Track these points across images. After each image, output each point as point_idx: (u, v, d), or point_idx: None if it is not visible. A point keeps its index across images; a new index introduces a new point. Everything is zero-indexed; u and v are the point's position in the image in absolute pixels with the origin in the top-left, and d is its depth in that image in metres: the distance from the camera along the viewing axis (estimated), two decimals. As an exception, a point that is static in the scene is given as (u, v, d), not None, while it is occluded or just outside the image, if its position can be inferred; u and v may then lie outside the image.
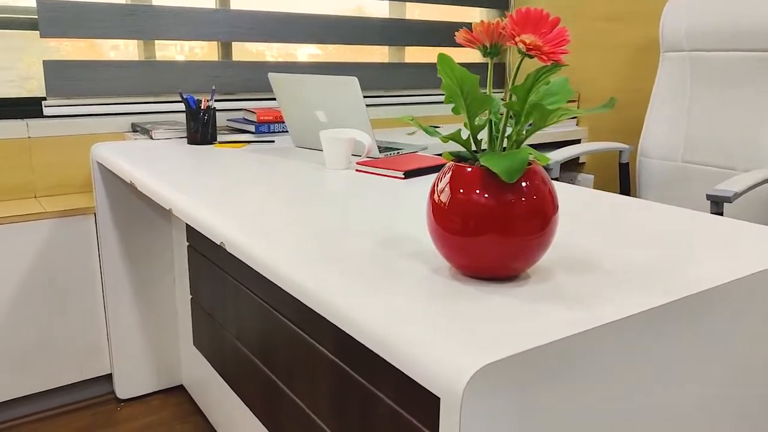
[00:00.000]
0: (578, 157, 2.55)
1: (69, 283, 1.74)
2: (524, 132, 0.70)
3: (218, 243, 0.94)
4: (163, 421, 1.77)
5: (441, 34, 2.62)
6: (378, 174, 1.34)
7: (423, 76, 2.62)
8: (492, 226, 0.66)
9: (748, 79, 1.83)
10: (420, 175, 1.33)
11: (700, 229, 0.95)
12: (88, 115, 1.92)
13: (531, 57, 0.66)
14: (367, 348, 0.74)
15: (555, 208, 0.69)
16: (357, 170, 1.38)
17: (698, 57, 1.94)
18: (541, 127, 0.69)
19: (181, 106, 2.05)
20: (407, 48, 2.61)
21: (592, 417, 0.63)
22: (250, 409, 1.40)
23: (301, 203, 1.07)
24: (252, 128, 1.94)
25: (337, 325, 0.67)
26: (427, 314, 0.62)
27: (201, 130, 1.72)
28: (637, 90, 2.39)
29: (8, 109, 1.85)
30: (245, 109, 2.03)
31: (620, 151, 2.16)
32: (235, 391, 1.47)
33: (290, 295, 1.13)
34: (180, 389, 1.94)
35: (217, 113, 2.09)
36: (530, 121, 0.69)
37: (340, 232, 0.90)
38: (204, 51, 2.20)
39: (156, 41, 2.06)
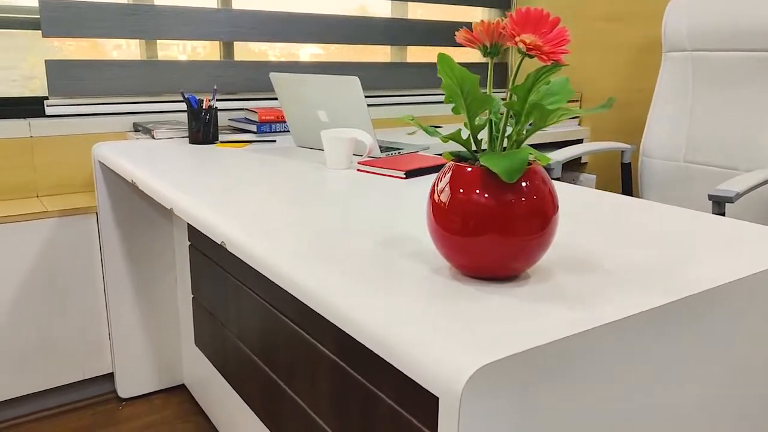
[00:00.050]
0: (580, 157, 2.55)
1: (70, 283, 1.74)
2: (524, 132, 0.70)
3: (219, 242, 0.94)
4: (164, 420, 1.77)
5: (443, 33, 2.62)
6: (379, 174, 1.34)
7: (425, 76, 2.62)
8: (492, 226, 0.66)
9: (750, 79, 1.83)
10: (421, 175, 1.33)
11: (701, 229, 0.95)
12: (90, 114, 1.93)
13: (531, 57, 0.66)
14: (368, 348, 0.74)
15: (555, 208, 0.69)
16: (358, 170, 1.38)
17: (700, 57, 1.93)
18: (541, 127, 0.69)
19: (183, 106, 2.05)
20: (409, 48, 2.61)
21: (592, 417, 0.63)
22: (251, 409, 1.40)
23: (302, 203, 1.07)
24: (254, 128, 1.94)
25: (337, 325, 0.67)
26: (427, 314, 0.62)
27: (203, 129, 1.72)
28: (639, 90, 2.39)
29: (10, 108, 1.85)
30: (247, 109, 2.04)
31: (622, 151, 2.16)
32: (236, 391, 1.47)
33: (291, 294, 1.13)
34: (181, 388, 1.94)
35: (219, 113, 2.09)
36: (530, 121, 0.69)
37: (341, 231, 0.90)
38: (207, 51, 2.20)
39: (159, 41, 2.06)
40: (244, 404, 1.46)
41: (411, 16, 2.58)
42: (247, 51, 2.27)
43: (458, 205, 0.67)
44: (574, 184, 1.91)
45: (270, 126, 1.94)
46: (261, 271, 0.83)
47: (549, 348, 0.57)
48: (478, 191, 0.67)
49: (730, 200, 1.47)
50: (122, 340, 1.82)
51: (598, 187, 2.56)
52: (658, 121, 2.04)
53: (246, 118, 2.03)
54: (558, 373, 0.58)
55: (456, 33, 0.71)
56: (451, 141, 0.71)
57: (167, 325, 1.88)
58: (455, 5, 2.65)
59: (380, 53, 2.59)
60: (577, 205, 1.08)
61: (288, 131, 1.99)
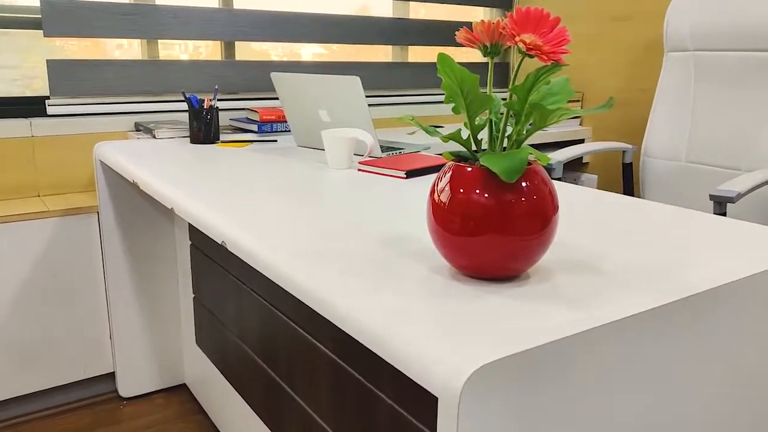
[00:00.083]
0: (582, 157, 2.55)
1: (72, 282, 1.74)
2: (524, 132, 0.70)
3: (219, 242, 0.94)
4: (165, 419, 1.77)
5: (444, 33, 2.61)
6: (380, 174, 1.34)
7: (426, 76, 2.61)
8: (492, 226, 0.66)
9: (751, 79, 1.83)
10: (422, 175, 1.33)
11: (701, 229, 0.94)
12: (92, 114, 1.93)
13: (531, 57, 0.66)
14: (367, 347, 0.74)
15: (555, 208, 0.69)
16: (359, 170, 1.38)
17: (702, 57, 1.93)
18: (541, 127, 0.69)
19: (184, 106, 2.05)
20: (410, 48, 2.61)
21: (591, 417, 0.62)
22: (252, 408, 1.40)
23: (303, 203, 1.07)
24: (255, 128, 1.94)
25: (336, 324, 0.67)
26: (426, 314, 0.62)
27: (204, 129, 1.72)
28: (641, 90, 2.39)
29: (12, 108, 1.86)
30: (248, 109, 2.04)
31: (623, 151, 2.16)
32: (236, 390, 1.48)
33: (291, 294, 1.13)
34: (182, 388, 1.94)
35: (220, 113, 2.10)
36: (530, 121, 0.69)
37: (341, 231, 0.90)
38: (208, 50, 2.20)
39: (160, 41, 2.06)
40: (245, 403, 1.46)
41: (413, 15, 2.58)
42: (249, 50, 2.27)
43: (458, 205, 0.67)
44: (576, 184, 1.90)
45: (271, 126, 1.94)
46: (261, 271, 0.83)
47: (548, 348, 0.57)
48: (478, 191, 0.67)
49: (732, 200, 1.47)
50: (123, 339, 1.82)
51: (599, 187, 2.55)
52: (659, 121, 2.04)
53: (247, 118, 2.03)
54: (557, 373, 0.58)
55: (456, 33, 0.71)
56: (451, 141, 0.71)
57: (168, 324, 1.88)
58: (457, 5, 2.65)
59: (382, 53, 2.59)
60: (578, 205, 1.08)
61: (289, 131, 1.99)
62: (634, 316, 0.63)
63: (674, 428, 0.72)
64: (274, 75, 1.62)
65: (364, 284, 0.70)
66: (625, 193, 2.17)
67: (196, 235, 1.64)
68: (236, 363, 1.45)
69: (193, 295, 1.72)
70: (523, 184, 0.67)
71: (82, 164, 1.90)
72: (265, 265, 0.81)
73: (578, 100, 2.59)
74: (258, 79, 2.21)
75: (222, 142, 1.74)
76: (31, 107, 1.88)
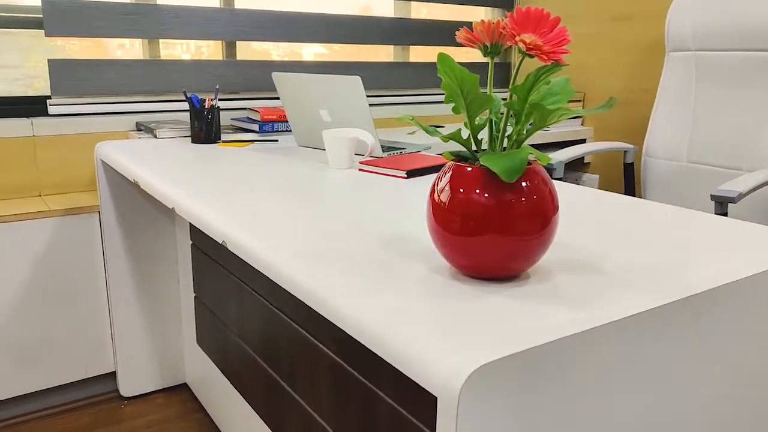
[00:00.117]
0: (583, 157, 2.54)
1: (73, 281, 1.75)
2: (524, 132, 0.70)
3: (220, 242, 0.94)
4: (166, 419, 1.77)
5: (446, 33, 2.61)
6: (381, 173, 1.34)
7: (427, 76, 2.61)
8: (492, 226, 0.66)
9: (753, 79, 1.82)
10: (422, 175, 1.33)
11: (702, 229, 0.94)
12: (93, 114, 1.93)
13: (531, 57, 0.66)
14: (368, 347, 0.74)
15: (555, 208, 0.69)
16: (360, 170, 1.38)
17: (704, 57, 1.93)
18: (542, 127, 0.69)
19: (186, 105, 2.05)
20: (412, 47, 2.61)
21: (591, 417, 0.62)
22: (252, 407, 1.40)
23: (304, 202, 1.07)
24: (256, 127, 1.94)
25: (336, 324, 0.67)
26: (426, 314, 0.62)
27: (205, 129, 1.72)
28: (643, 90, 2.38)
29: (13, 107, 1.86)
30: (249, 108, 2.04)
31: (625, 151, 2.15)
32: (237, 390, 1.48)
33: (292, 294, 1.13)
34: (183, 387, 1.94)
35: (221, 112, 2.10)
36: (530, 121, 0.69)
37: (342, 231, 0.90)
38: (210, 50, 2.20)
39: (162, 40, 2.06)
40: (246, 403, 1.46)
41: (415, 15, 2.58)
42: (251, 50, 2.27)
43: (458, 205, 0.67)
44: (577, 184, 1.90)
45: (272, 125, 1.94)
46: (262, 271, 0.83)
47: (548, 348, 0.57)
48: (478, 191, 0.67)
49: (733, 200, 1.47)
50: (124, 339, 1.82)
51: (600, 188, 2.55)
52: (661, 121, 2.03)
53: (248, 118, 2.03)
54: (557, 373, 0.58)
55: (456, 33, 0.70)
56: (451, 141, 0.71)
57: (169, 324, 1.89)
58: (459, 5, 2.65)
59: (384, 53, 2.59)
60: (579, 205, 1.08)
61: (290, 131, 1.99)
62: (635, 316, 0.63)
63: (674, 428, 0.72)
64: (275, 75, 1.62)
65: (364, 284, 0.70)
66: (626, 193, 2.17)
67: (197, 234, 1.64)
68: (237, 363, 1.45)
69: (194, 295, 1.72)
70: (523, 184, 0.67)
71: (84, 164, 1.90)
72: (265, 265, 0.81)
73: (580, 101, 2.59)
74: (259, 78, 2.21)
75: (223, 141, 1.74)
76: (32, 107, 1.88)
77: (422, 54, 2.64)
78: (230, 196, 1.11)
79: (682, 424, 0.73)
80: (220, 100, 2.12)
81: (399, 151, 1.61)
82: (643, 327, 0.64)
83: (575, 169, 2.59)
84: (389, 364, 0.87)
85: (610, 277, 0.73)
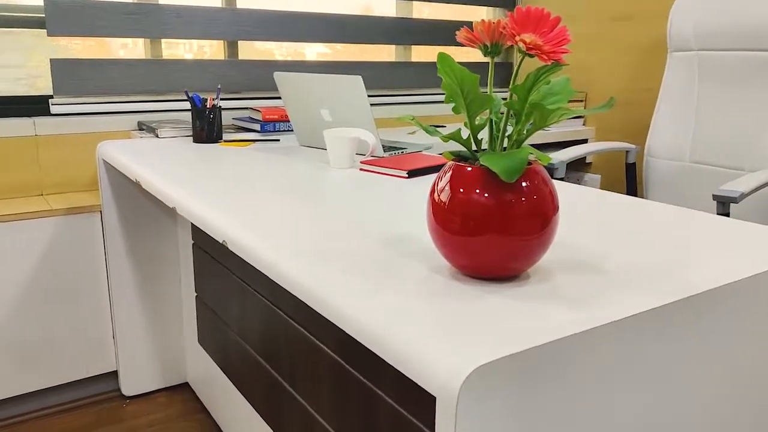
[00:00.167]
0: (585, 157, 2.54)
1: (75, 281, 1.75)
2: (525, 132, 0.70)
3: (221, 241, 0.94)
4: (168, 418, 1.78)
5: (447, 33, 2.61)
6: (382, 173, 1.34)
7: (429, 76, 2.61)
8: (492, 226, 0.66)
9: (755, 78, 1.82)
10: (423, 175, 1.33)
11: (704, 229, 0.94)
12: (95, 113, 1.93)
13: (531, 56, 0.66)
14: (368, 347, 0.74)
15: (555, 208, 0.69)
16: (361, 169, 1.38)
17: (706, 56, 1.93)
18: (542, 127, 0.69)
19: (187, 105, 2.05)
20: (414, 47, 2.61)
21: (591, 418, 0.62)
22: (253, 407, 1.40)
23: (305, 202, 1.07)
24: (257, 127, 1.94)
25: (336, 324, 0.67)
26: (426, 314, 0.62)
27: (206, 128, 1.72)
28: (645, 89, 2.38)
29: (16, 107, 1.86)
30: (251, 108, 2.04)
31: (627, 151, 2.15)
32: (238, 389, 1.48)
33: (293, 293, 1.13)
34: (185, 387, 1.94)
35: (223, 112, 2.10)
36: (531, 121, 0.69)
37: (343, 230, 0.90)
38: (213, 49, 2.20)
39: (164, 40, 2.06)
40: (247, 402, 1.46)
41: (416, 15, 2.58)
42: (253, 50, 2.27)
43: (458, 205, 0.67)
44: (579, 184, 1.90)
45: (274, 125, 1.95)
46: (263, 271, 0.83)
47: (548, 348, 0.57)
48: (478, 191, 0.67)
49: (735, 200, 1.47)
50: (126, 338, 1.82)
51: (602, 188, 2.55)
52: (663, 121, 2.03)
53: (250, 117, 2.03)
54: (557, 373, 0.58)
55: (456, 32, 0.70)
56: (451, 140, 0.71)
57: (171, 323, 1.89)
58: (461, 5, 2.65)
59: (386, 53, 2.59)
60: (580, 205, 1.08)
61: (292, 130, 1.99)
62: (635, 316, 0.63)
63: (674, 428, 0.72)
64: (276, 74, 1.62)
65: (365, 284, 0.70)
66: (628, 193, 2.17)
67: (198, 234, 1.64)
68: (238, 362, 1.45)
69: (196, 294, 1.72)
70: (523, 184, 0.67)
71: (86, 163, 1.91)
72: (266, 265, 0.81)
73: (582, 100, 2.59)
74: (261, 78, 2.22)
75: (225, 141, 1.74)
76: (34, 106, 1.89)
77: (424, 54, 2.64)
78: (232, 195, 1.11)
79: (683, 424, 0.73)
80: (221, 99, 2.12)
81: (400, 151, 1.61)
82: (643, 327, 0.64)
83: (577, 169, 2.58)
84: (389, 363, 0.87)
85: (610, 277, 0.73)
